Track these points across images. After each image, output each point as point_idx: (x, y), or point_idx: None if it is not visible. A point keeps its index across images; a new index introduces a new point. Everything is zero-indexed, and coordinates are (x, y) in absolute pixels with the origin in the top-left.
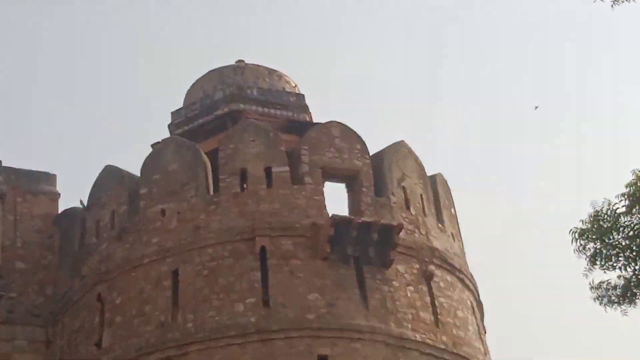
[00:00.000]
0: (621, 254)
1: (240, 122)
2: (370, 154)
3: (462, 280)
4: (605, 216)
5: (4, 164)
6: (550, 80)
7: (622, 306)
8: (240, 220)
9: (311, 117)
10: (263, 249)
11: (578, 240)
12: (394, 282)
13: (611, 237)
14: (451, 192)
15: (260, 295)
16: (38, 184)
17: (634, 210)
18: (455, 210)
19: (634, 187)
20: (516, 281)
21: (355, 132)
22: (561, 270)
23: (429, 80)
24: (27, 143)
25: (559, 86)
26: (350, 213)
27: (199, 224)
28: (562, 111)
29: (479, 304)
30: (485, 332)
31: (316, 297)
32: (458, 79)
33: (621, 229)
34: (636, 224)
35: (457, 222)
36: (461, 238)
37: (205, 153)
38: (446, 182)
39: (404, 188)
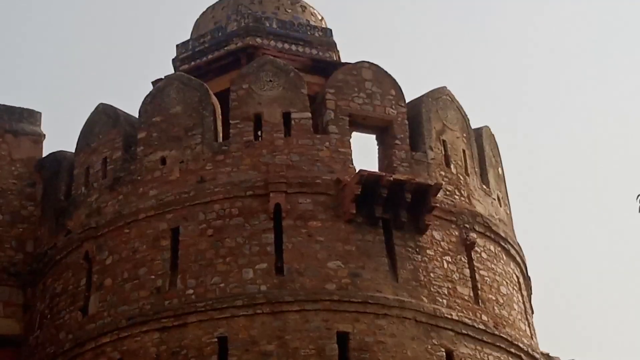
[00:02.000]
0: None
1: (256, 59)
2: (406, 102)
3: (507, 252)
4: None
5: None
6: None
7: None
8: (252, 173)
9: (339, 57)
10: (278, 207)
11: None
12: (428, 251)
13: None
14: (499, 149)
15: (273, 261)
16: (20, 122)
17: None
18: (502, 170)
19: None
20: (569, 255)
21: (389, 75)
22: (622, 248)
23: (478, 19)
24: (8, 75)
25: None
26: (380, 169)
27: (204, 175)
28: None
29: (527, 280)
30: (532, 313)
31: (337, 265)
32: (514, 18)
33: None
34: None
35: (505, 184)
36: (508, 202)
37: (215, 94)
38: (494, 136)
39: (444, 142)
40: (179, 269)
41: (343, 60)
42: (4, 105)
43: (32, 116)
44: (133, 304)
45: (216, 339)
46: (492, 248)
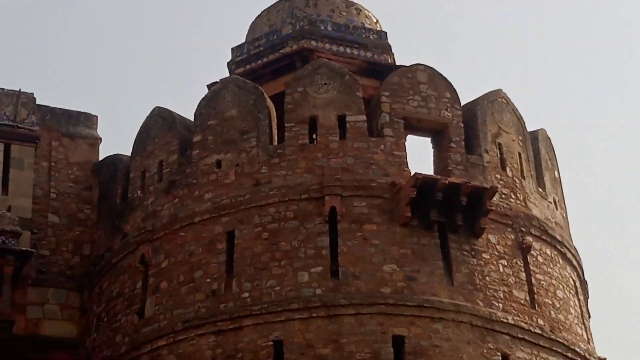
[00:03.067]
0: None
1: (311, 62)
2: (462, 104)
3: (564, 255)
4: None
5: (38, 102)
6: None
7: None
8: (307, 177)
9: (394, 59)
10: (333, 210)
11: None
12: (483, 254)
13: None
14: (555, 151)
15: (328, 264)
16: (76, 126)
17: None
18: (559, 174)
19: None
20: (627, 259)
21: (444, 77)
22: None
23: (534, 21)
24: (65, 78)
25: None
26: (435, 172)
27: (259, 178)
28: None
29: (583, 284)
30: (589, 317)
31: (393, 268)
32: (570, 20)
33: None
34: None
35: (561, 187)
36: (565, 206)
37: (270, 97)
38: (550, 139)
39: (499, 145)
40: (235, 272)
41: (398, 62)
42: (61, 108)
43: (89, 120)
44: (189, 307)
45: (271, 343)
46: (548, 252)
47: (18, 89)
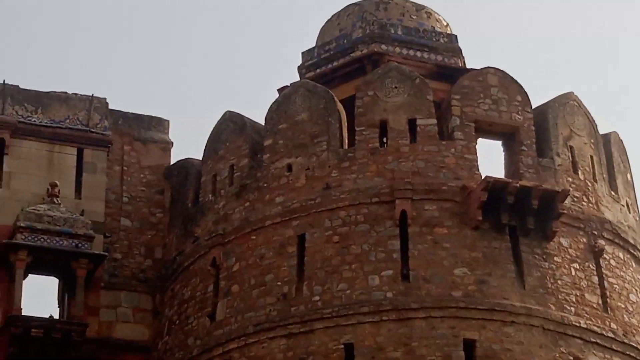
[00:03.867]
0: None
1: (381, 66)
2: (533, 107)
3: (637, 259)
4: None
5: (110, 107)
6: None
7: None
8: (378, 180)
9: (464, 63)
10: (404, 214)
11: None
12: (555, 258)
13: None
14: (628, 155)
15: (399, 268)
16: (148, 130)
17: None
18: (631, 176)
19: None
20: None
21: (515, 80)
22: None
23: (603, 24)
24: (137, 83)
25: None
26: (506, 175)
27: (330, 182)
28: None
29: None
30: None
31: (464, 272)
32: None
33: None
34: None
35: (634, 190)
36: (638, 209)
37: (340, 101)
38: (622, 142)
39: (571, 148)
40: (305, 275)
41: (468, 66)
42: (133, 113)
43: (161, 124)
44: (260, 310)
45: (342, 346)
46: (621, 255)
47: (91, 94)
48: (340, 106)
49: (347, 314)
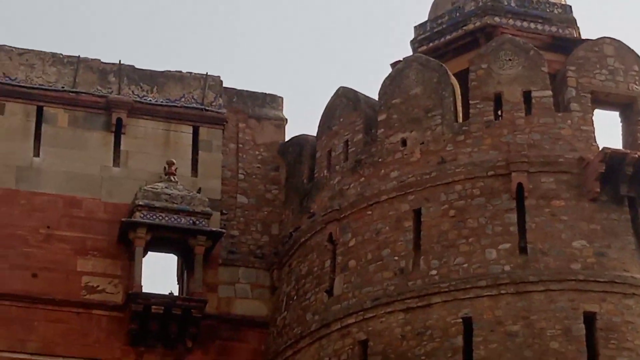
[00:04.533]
0: None
1: (495, 38)
2: None
3: None
4: None
5: (224, 85)
6: None
7: None
8: (493, 153)
9: (579, 33)
10: (520, 186)
11: None
12: None
13: None
14: None
15: (517, 241)
16: (263, 107)
17: None
18: None
19: None
20: None
21: (632, 50)
22: None
23: None
24: (250, 60)
25: None
26: (624, 146)
27: (445, 156)
28: None
29: None
30: None
31: (582, 244)
32: None
33: None
34: None
35: None
36: None
37: (454, 74)
38: None
39: None
40: (422, 249)
41: (583, 36)
42: (247, 91)
43: (275, 101)
44: (377, 285)
45: (461, 320)
46: None
47: (205, 73)
48: (454, 80)
49: (465, 288)
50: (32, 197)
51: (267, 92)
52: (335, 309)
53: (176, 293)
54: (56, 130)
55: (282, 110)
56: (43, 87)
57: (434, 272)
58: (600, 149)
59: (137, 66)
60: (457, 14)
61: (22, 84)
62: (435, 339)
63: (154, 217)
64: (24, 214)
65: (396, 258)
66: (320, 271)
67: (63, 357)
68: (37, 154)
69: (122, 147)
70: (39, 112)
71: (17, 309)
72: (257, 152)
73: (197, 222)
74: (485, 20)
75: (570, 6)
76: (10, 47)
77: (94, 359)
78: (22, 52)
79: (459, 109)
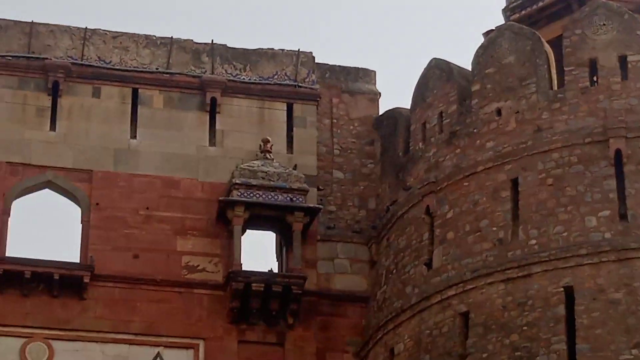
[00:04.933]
0: None
1: (588, 3)
2: None
3: None
4: None
5: (316, 60)
6: None
7: None
8: (589, 120)
9: None
10: (618, 152)
11: None
12: None
13: None
14: None
15: (616, 208)
16: (355, 82)
17: None
18: None
19: None
20: None
21: None
22: None
23: None
24: (342, 35)
25: None
26: None
27: (541, 124)
28: None
29: None
30: None
31: None
32: None
33: None
34: None
35: None
36: None
37: (547, 41)
38: None
39: None
40: (520, 219)
41: None
42: (339, 66)
43: (367, 75)
44: (476, 256)
45: (562, 289)
46: None
47: (297, 49)
48: (547, 47)
49: (565, 257)
50: (130, 179)
51: (360, 67)
52: (434, 282)
53: (275, 270)
54: (152, 112)
55: (375, 84)
56: (137, 69)
57: (533, 241)
58: None
59: (229, 45)
60: None
61: (117, 67)
62: (537, 309)
63: (252, 195)
64: (123, 196)
65: (494, 229)
66: (418, 244)
67: (166, 337)
68: (134, 135)
69: (217, 127)
70: (135, 94)
71: (120, 290)
72: (351, 127)
73: (294, 198)
74: None
75: None
76: (104, 30)
77: (197, 337)
78: (116, 36)
79: (554, 76)
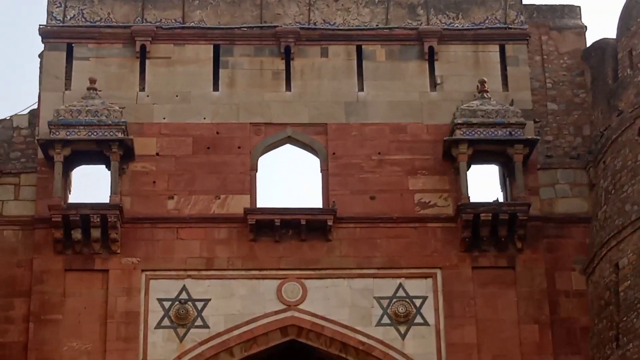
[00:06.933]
0: None
1: None
2: None
3: None
4: None
5: (524, 2)
6: None
7: None
8: None
9: None
10: None
11: None
12: None
13: None
14: None
15: None
16: (562, 18)
17: None
18: None
19: None
20: None
21: None
22: None
23: None
24: None
25: None
26: None
27: None
28: None
29: None
30: None
31: None
32: None
33: None
34: None
35: None
36: None
37: None
38: None
39: None
40: None
41: None
42: (545, 5)
43: (573, 11)
44: None
45: None
46: None
47: None
48: None
49: None
50: (361, 128)
51: (565, 4)
52: None
53: (501, 200)
54: (376, 65)
55: (580, 18)
56: (360, 27)
57: None
58: None
59: None
60: None
61: (341, 27)
62: None
63: (473, 132)
64: (356, 144)
65: None
66: (634, 164)
67: (406, 269)
68: (361, 88)
69: (436, 73)
70: (359, 50)
71: (361, 229)
72: (561, 61)
73: (513, 132)
74: None
75: None
76: None
77: (434, 267)
78: None
79: None
